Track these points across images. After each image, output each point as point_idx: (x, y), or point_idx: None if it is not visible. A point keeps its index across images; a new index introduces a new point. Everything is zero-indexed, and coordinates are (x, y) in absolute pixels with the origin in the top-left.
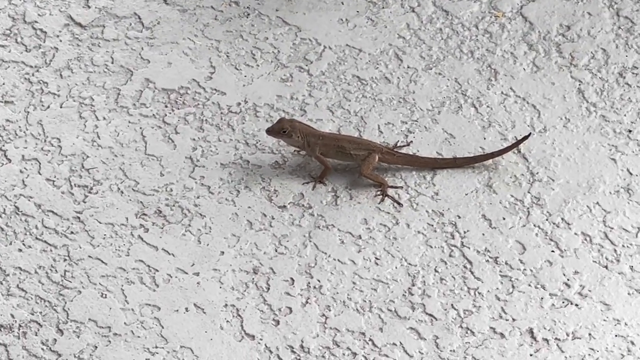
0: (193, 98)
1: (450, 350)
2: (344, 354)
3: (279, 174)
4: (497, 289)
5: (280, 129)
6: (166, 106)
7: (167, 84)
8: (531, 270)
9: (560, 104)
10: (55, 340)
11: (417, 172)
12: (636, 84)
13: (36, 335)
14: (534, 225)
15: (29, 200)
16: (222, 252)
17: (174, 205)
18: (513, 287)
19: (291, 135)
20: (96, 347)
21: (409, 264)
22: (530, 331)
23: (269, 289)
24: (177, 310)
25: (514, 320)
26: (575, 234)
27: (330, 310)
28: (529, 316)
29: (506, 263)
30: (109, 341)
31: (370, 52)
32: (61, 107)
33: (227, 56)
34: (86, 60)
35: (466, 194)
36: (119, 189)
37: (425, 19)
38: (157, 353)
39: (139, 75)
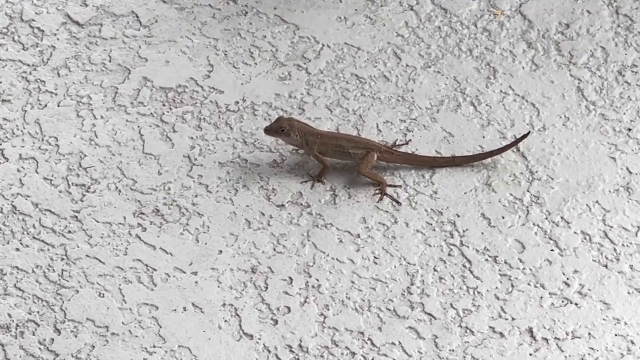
0: (191, 96)
1: (450, 350)
2: (342, 354)
3: (277, 173)
4: (497, 288)
5: (278, 128)
6: (164, 105)
7: (164, 83)
8: (530, 269)
9: (559, 103)
10: (52, 339)
11: (416, 170)
12: (635, 82)
13: (33, 334)
14: (534, 224)
15: (27, 199)
16: (220, 251)
17: (171, 204)
18: (512, 286)
19: (289, 134)
20: (94, 346)
21: (408, 263)
22: (530, 330)
23: (267, 288)
24: (175, 310)
25: (513, 319)
26: (575, 232)
27: (328, 310)
28: (529, 315)
29: (505, 262)
30: (107, 341)
31: (369, 50)
32: (58, 105)
33: (225, 54)
34: (83, 59)
35: (465, 193)
36: (116, 187)
37: (424, 17)
38: (155, 352)
39: (136, 74)
